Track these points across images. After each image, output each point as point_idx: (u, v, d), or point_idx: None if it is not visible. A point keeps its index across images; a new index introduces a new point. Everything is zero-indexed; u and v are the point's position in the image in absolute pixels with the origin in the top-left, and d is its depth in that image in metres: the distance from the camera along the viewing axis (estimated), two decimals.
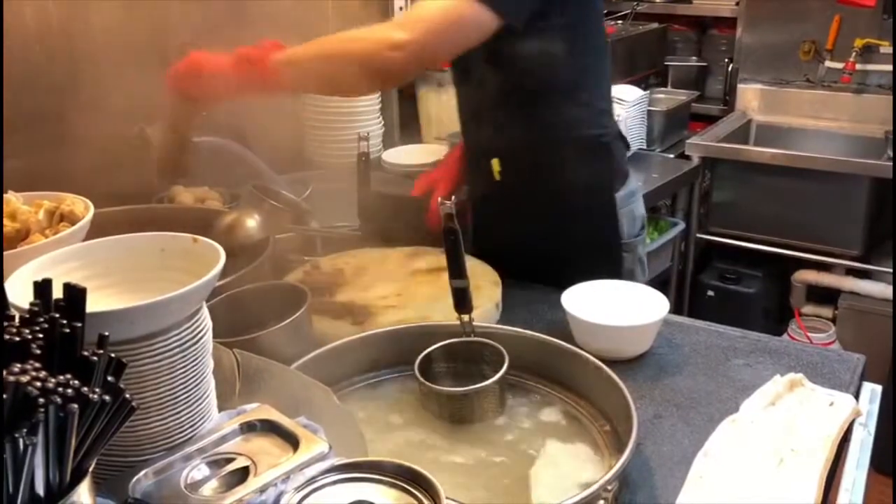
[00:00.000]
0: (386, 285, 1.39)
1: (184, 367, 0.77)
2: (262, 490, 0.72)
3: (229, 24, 1.88)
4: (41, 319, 0.60)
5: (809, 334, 2.73)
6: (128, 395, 0.60)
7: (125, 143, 1.67)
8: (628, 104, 2.63)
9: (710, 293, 2.95)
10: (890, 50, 2.90)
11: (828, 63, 3.00)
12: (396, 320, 1.24)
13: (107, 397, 0.57)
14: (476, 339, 1.14)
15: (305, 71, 1.35)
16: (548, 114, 1.45)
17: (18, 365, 0.55)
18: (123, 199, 1.45)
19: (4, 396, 0.52)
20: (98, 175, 1.56)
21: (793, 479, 0.94)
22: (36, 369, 0.56)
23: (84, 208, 1.07)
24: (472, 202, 1.61)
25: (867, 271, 2.71)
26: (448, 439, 1.04)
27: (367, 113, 2.14)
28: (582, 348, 1.12)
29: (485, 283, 1.37)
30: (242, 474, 0.75)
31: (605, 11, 2.34)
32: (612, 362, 1.09)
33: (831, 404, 1.07)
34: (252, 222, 1.39)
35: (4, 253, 0.93)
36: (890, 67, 2.93)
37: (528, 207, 1.50)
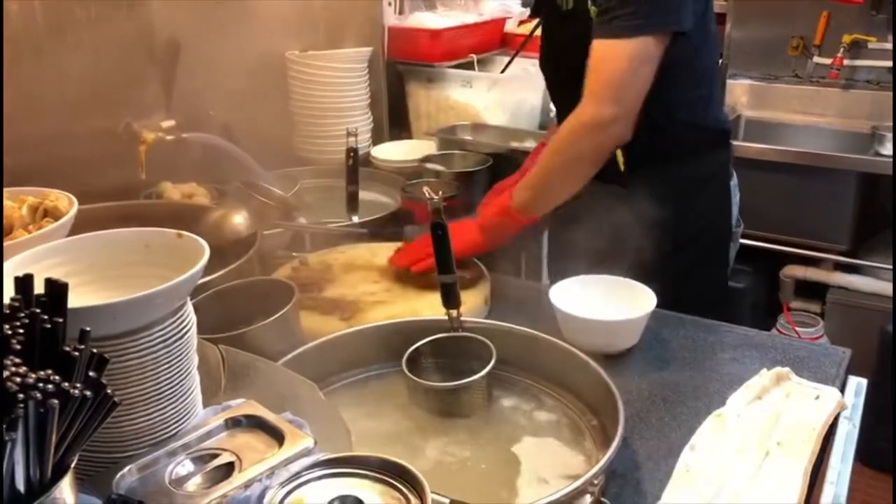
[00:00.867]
0: (374, 281, 1.39)
1: (168, 362, 0.77)
2: (247, 485, 0.72)
3: (216, 18, 1.87)
4: (22, 315, 0.60)
5: (797, 329, 2.74)
6: (110, 391, 0.59)
7: (112, 138, 1.66)
8: None
9: None
10: (878, 46, 2.91)
11: (816, 59, 3.00)
12: (384, 316, 1.24)
13: (88, 393, 0.57)
14: (464, 334, 1.14)
15: (547, 197, 1.43)
16: (676, 100, 1.46)
17: None
18: (110, 195, 1.44)
19: None
20: (84, 170, 1.55)
21: (778, 472, 0.94)
22: (16, 365, 0.56)
23: (68, 204, 1.06)
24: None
25: (855, 266, 2.72)
26: (435, 434, 1.04)
27: (355, 109, 2.13)
28: (570, 343, 1.12)
29: (472, 279, 1.37)
30: (227, 470, 0.75)
31: None
32: (599, 357, 1.09)
33: (817, 398, 1.07)
34: (240, 218, 1.39)
35: None
36: (877, 63, 2.94)
37: (653, 197, 1.47)
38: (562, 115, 1.53)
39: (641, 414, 1.09)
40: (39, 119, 1.52)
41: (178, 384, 0.79)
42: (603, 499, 0.87)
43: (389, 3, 2.37)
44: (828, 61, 2.97)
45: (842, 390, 1.13)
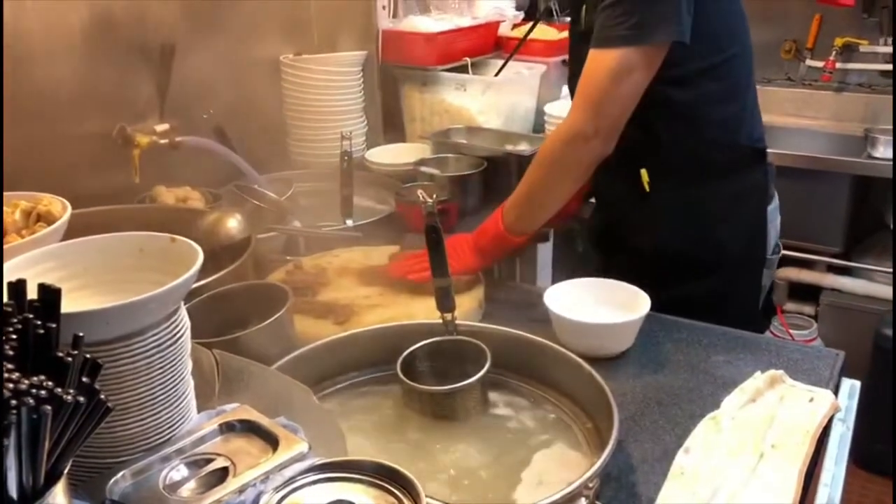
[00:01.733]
0: (368, 285, 1.39)
1: (162, 367, 0.77)
2: (241, 490, 0.72)
3: (210, 21, 1.87)
4: (14, 320, 0.60)
5: (791, 331, 2.75)
6: (103, 396, 0.59)
7: (106, 142, 1.66)
8: None
9: None
10: (869, 49, 2.93)
11: (809, 62, 3.02)
12: (379, 319, 1.24)
13: (81, 398, 0.57)
14: (459, 337, 1.14)
15: (534, 211, 1.40)
16: (704, 117, 1.40)
17: None
18: (104, 199, 1.44)
19: None
20: (78, 175, 1.55)
21: (773, 474, 0.94)
22: (9, 370, 0.55)
23: (62, 208, 1.06)
24: (601, 214, 1.57)
25: (848, 268, 2.73)
26: (430, 438, 1.04)
27: (349, 112, 2.13)
28: (564, 346, 1.13)
29: (467, 282, 1.37)
30: (221, 475, 0.75)
31: None
32: (594, 360, 1.09)
33: (811, 400, 1.08)
34: (234, 222, 1.39)
35: None
36: (869, 66, 2.96)
37: (679, 218, 1.43)
38: None
39: (636, 417, 1.09)
40: (33, 123, 1.52)
41: (171, 389, 0.79)
42: (598, 502, 0.87)
43: (384, 7, 2.37)
44: (820, 64, 2.98)
45: (835, 392, 1.13)
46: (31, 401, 0.53)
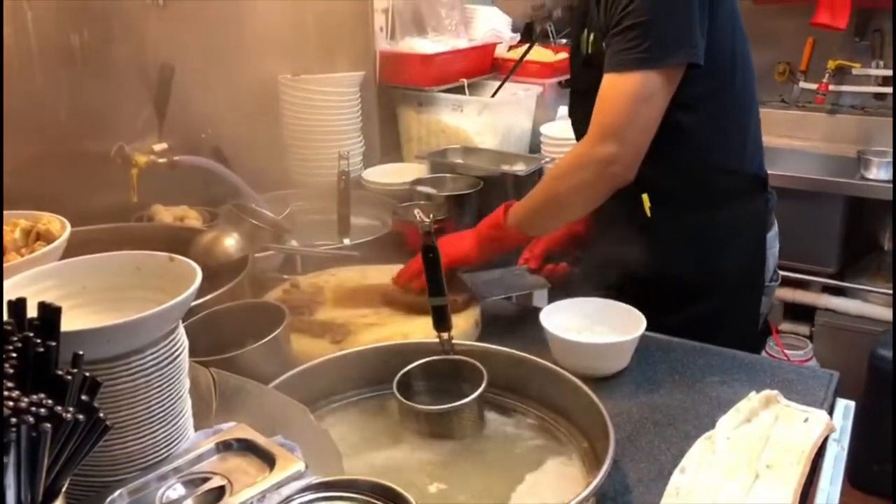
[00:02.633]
0: (365, 304, 1.39)
1: (160, 385, 0.77)
2: None
3: (209, 42, 1.89)
4: (15, 339, 0.60)
5: (787, 351, 2.76)
6: (102, 415, 0.60)
7: (104, 161, 1.67)
8: None
9: None
10: (862, 71, 2.96)
11: (802, 84, 3.05)
12: (375, 338, 1.25)
13: (80, 416, 0.57)
14: (455, 356, 1.14)
15: (542, 220, 1.41)
16: (706, 143, 1.39)
17: None
18: (102, 218, 1.45)
19: None
20: (77, 194, 1.55)
21: (768, 494, 0.94)
22: (9, 388, 0.56)
23: (60, 227, 1.06)
24: (600, 240, 1.55)
25: (843, 289, 2.75)
26: (426, 457, 1.04)
27: (347, 132, 2.15)
28: (560, 366, 1.13)
29: (464, 301, 1.37)
30: (218, 494, 0.75)
31: None
32: (590, 379, 1.10)
33: (806, 420, 1.08)
34: (231, 241, 1.39)
35: None
36: (862, 89, 2.99)
37: (679, 244, 1.43)
38: None
39: (632, 437, 1.09)
40: (32, 142, 1.53)
41: (169, 407, 0.79)
42: None
43: (381, 28, 2.39)
44: (813, 87, 3.02)
45: (830, 413, 1.13)
46: (31, 419, 0.53)
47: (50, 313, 0.64)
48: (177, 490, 0.76)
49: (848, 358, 2.52)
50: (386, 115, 2.42)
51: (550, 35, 2.77)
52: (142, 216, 1.63)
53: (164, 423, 0.78)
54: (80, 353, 0.62)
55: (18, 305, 0.65)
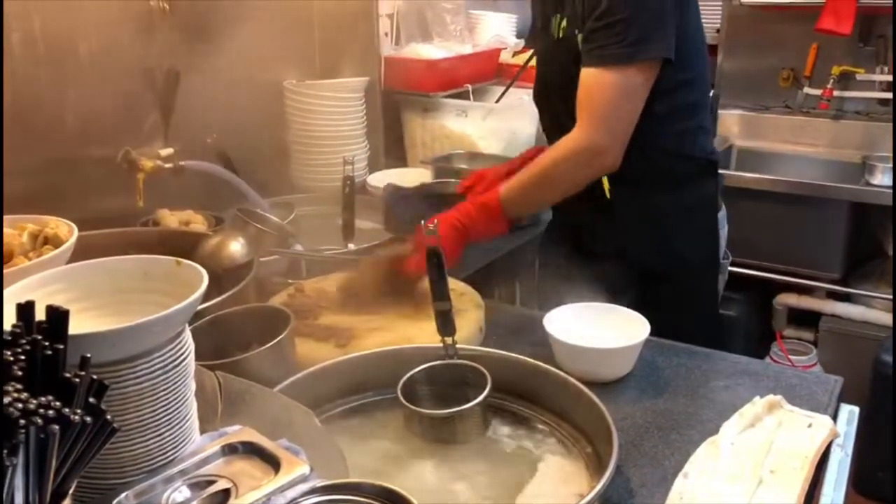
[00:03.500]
0: (370, 308, 1.40)
1: (166, 389, 0.78)
2: None
3: (215, 47, 1.90)
4: (23, 341, 0.61)
5: (791, 357, 2.75)
6: (109, 417, 0.60)
7: (111, 165, 1.68)
8: None
9: None
10: (866, 77, 2.96)
11: (806, 90, 3.05)
12: (380, 343, 1.25)
13: (88, 419, 0.58)
14: (459, 361, 1.14)
15: (530, 202, 1.51)
16: (661, 130, 1.47)
17: None
18: (109, 223, 1.46)
19: None
20: (83, 198, 1.57)
21: (771, 499, 0.94)
22: (17, 391, 0.56)
23: (68, 231, 1.07)
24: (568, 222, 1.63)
25: (847, 294, 2.74)
26: (430, 461, 1.04)
27: (352, 137, 2.15)
28: (564, 371, 1.13)
29: (468, 306, 1.38)
30: (224, 496, 0.75)
31: None
32: (593, 384, 1.10)
33: (809, 426, 1.08)
34: (236, 245, 1.40)
35: None
36: (866, 94, 2.99)
37: (638, 225, 1.51)
38: (552, 140, 1.53)
39: (635, 441, 1.10)
40: (39, 147, 1.54)
41: (175, 411, 0.79)
42: None
43: (386, 34, 2.40)
44: (818, 92, 3.02)
45: (834, 418, 1.13)
46: (39, 420, 0.54)
47: (58, 316, 0.65)
48: (182, 493, 0.76)
49: (852, 363, 2.52)
50: (391, 120, 2.43)
51: None
52: (147, 221, 1.64)
53: (170, 426, 0.79)
54: (88, 355, 0.62)
55: (27, 308, 0.65)
